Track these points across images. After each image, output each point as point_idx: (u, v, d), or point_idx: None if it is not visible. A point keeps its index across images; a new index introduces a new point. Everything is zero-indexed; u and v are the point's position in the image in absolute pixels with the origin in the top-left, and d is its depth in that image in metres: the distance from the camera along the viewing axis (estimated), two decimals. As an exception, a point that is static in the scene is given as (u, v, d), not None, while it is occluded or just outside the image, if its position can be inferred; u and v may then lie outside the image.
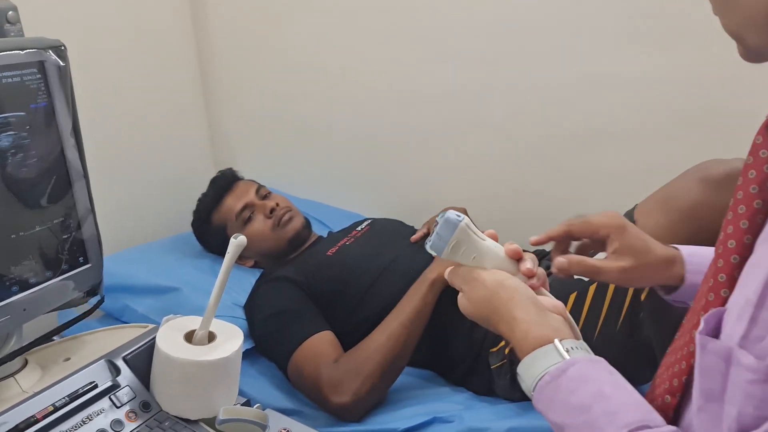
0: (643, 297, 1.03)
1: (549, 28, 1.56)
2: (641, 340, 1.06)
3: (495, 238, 0.76)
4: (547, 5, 1.55)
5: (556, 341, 0.62)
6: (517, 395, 1.19)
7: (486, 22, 1.61)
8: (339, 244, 1.45)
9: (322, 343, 1.24)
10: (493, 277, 0.72)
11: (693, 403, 0.55)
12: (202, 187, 1.68)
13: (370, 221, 1.56)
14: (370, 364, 1.18)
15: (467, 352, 1.25)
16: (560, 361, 0.61)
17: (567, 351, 0.61)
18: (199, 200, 1.65)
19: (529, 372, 0.63)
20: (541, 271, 0.74)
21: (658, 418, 0.57)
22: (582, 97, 1.58)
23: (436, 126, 1.75)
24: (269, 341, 1.32)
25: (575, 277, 0.83)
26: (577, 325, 1.06)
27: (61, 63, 1.00)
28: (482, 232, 0.74)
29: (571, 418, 0.59)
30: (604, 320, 1.08)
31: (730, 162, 1.03)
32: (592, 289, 1.07)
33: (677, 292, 0.80)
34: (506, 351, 1.19)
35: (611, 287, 1.06)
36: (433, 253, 0.75)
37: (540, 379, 0.61)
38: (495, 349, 1.22)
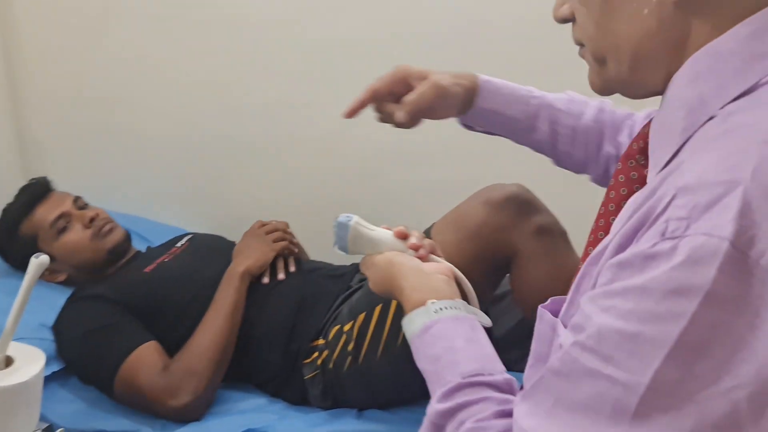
0: None
1: (369, 48, 1.63)
2: None
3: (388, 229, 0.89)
4: (367, 27, 1.63)
5: (429, 302, 0.73)
6: (328, 403, 1.26)
7: (311, 40, 1.66)
8: (157, 261, 1.43)
9: (149, 353, 1.25)
10: (384, 258, 0.84)
11: (528, 361, 0.67)
12: (8, 200, 1.57)
13: (190, 237, 1.55)
14: (202, 361, 1.23)
15: (283, 365, 1.29)
16: (427, 320, 0.71)
17: (436, 311, 0.72)
18: (5, 210, 1.52)
19: (407, 329, 0.75)
20: (427, 241, 0.87)
21: (498, 368, 0.67)
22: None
23: (259, 140, 1.77)
24: (87, 360, 1.28)
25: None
26: (363, 342, 1.18)
27: None
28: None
29: (429, 365, 0.70)
30: (387, 338, 1.17)
31: (508, 187, 1.16)
32: (377, 309, 1.19)
33: (474, 108, 0.96)
34: (318, 362, 1.25)
35: (392, 309, 1.17)
36: (342, 253, 0.88)
37: (413, 334, 0.73)
38: (308, 361, 1.27)
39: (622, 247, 0.53)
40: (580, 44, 0.64)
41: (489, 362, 0.67)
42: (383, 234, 0.89)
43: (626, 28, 0.58)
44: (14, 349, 1.00)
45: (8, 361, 0.98)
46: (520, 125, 0.99)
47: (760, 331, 0.44)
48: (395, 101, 0.97)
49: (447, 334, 0.70)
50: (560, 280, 0.93)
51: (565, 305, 0.62)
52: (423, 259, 0.86)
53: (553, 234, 1.14)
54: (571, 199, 1.28)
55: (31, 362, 0.99)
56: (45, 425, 1.06)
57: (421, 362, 0.71)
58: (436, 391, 0.66)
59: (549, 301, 0.66)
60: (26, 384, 0.96)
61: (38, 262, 0.95)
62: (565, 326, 0.59)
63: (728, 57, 0.54)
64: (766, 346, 0.45)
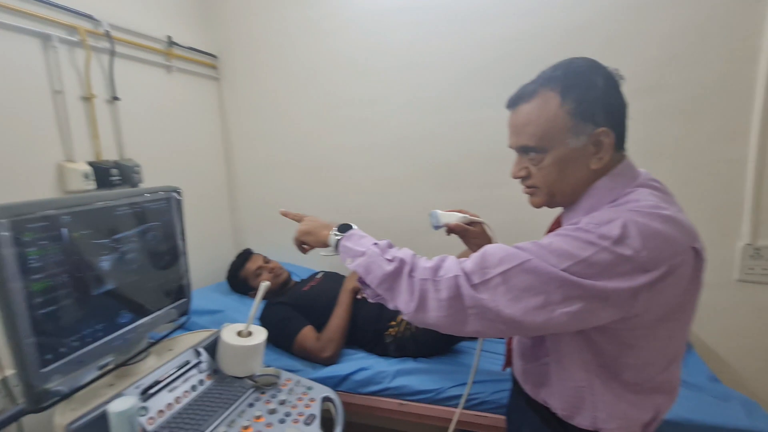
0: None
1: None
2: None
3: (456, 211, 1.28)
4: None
5: (340, 223, 1.08)
6: (398, 354, 1.87)
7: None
8: (310, 284, 2.11)
9: (308, 330, 1.85)
10: (309, 222, 1.18)
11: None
12: (228, 251, 2.35)
13: (323, 273, 2.25)
14: (336, 335, 1.83)
15: (374, 337, 1.94)
16: (347, 231, 1.06)
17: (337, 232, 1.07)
18: (232, 263, 2.31)
19: (335, 238, 1.07)
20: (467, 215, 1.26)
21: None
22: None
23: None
24: (279, 335, 1.86)
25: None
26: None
27: (179, 198, 1.48)
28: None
29: (357, 246, 1.01)
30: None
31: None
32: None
33: None
34: (393, 333, 1.88)
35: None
36: (436, 229, 1.30)
37: (342, 236, 1.07)
38: (387, 333, 1.91)
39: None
40: (534, 186, 1.00)
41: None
42: (453, 213, 1.26)
43: (573, 180, 0.96)
44: (251, 327, 1.56)
45: (249, 333, 1.55)
46: None
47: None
48: None
49: (364, 235, 1.06)
50: None
51: None
52: (469, 223, 1.23)
53: None
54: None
55: (260, 334, 1.54)
56: (265, 366, 1.61)
57: (353, 248, 1.00)
58: (377, 254, 0.99)
59: None
60: (259, 344, 1.49)
61: (264, 285, 1.54)
62: None
63: (602, 190, 0.96)
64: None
